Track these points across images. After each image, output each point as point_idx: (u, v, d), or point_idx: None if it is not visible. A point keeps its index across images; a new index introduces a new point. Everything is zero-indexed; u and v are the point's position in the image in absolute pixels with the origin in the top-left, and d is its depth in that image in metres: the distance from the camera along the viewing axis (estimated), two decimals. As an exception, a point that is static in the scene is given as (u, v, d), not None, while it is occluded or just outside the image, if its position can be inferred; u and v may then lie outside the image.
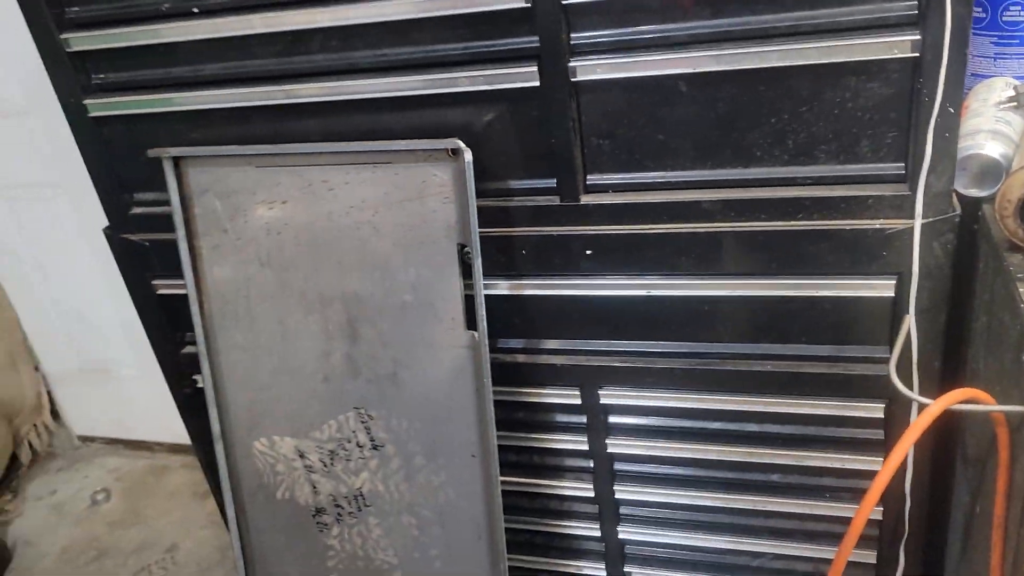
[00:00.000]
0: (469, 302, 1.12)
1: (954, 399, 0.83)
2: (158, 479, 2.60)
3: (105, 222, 2.08)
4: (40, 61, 2.01)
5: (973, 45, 1.12)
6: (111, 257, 2.36)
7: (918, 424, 0.83)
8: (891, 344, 1.02)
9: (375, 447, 1.24)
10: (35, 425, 2.63)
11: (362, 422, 1.23)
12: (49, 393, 2.68)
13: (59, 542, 2.38)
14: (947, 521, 1.20)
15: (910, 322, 0.97)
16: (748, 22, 0.92)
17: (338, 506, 1.28)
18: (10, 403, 2.48)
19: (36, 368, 2.62)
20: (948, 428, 1.15)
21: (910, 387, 0.97)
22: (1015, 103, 1.03)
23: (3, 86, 2.17)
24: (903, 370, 0.98)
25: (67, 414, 2.75)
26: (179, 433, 2.67)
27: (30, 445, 2.65)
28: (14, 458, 2.61)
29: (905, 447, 0.84)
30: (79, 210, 2.32)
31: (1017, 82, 1.08)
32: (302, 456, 1.28)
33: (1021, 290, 0.86)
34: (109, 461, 2.71)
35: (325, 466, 1.27)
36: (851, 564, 1.24)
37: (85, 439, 2.79)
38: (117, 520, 2.44)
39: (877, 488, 0.85)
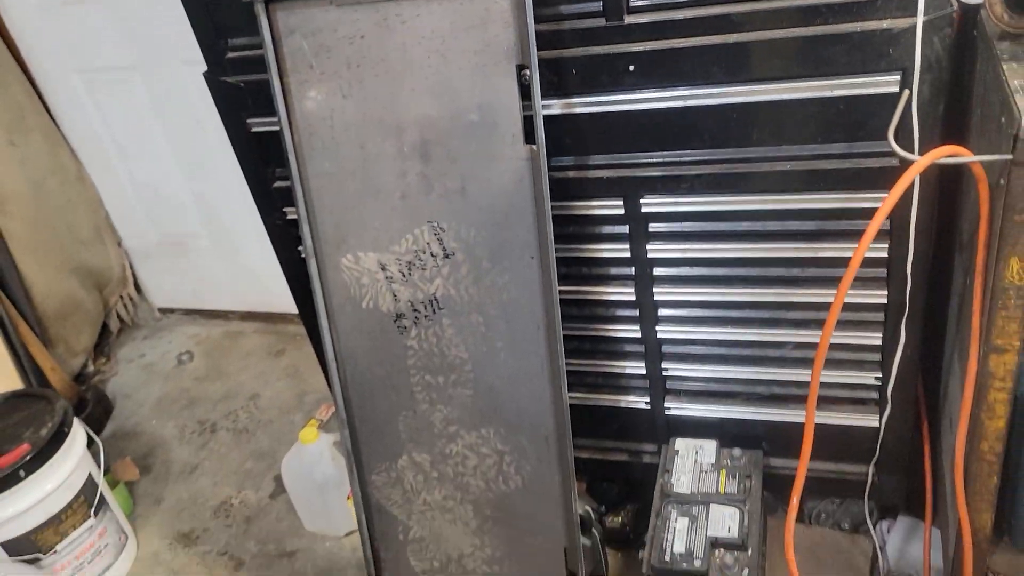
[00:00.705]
0: (527, 121, 1.29)
1: (939, 154, 0.99)
2: (234, 342, 2.86)
3: (178, 101, 2.30)
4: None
5: None
6: (183, 135, 2.58)
7: (908, 174, 1.00)
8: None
9: (447, 256, 1.43)
10: (121, 296, 2.90)
11: (435, 234, 1.43)
12: (131, 267, 2.93)
13: (153, 394, 2.67)
14: (947, 304, 1.37)
15: (911, 94, 1.12)
16: None
17: (415, 311, 1.49)
18: (99, 274, 2.74)
19: (119, 244, 2.86)
20: (948, 220, 1.32)
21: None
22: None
23: (78, -28, 2.32)
24: (904, 144, 1.13)
25: (148, 288, 3.02)
26: (251, 302, 2.95)
27: (118, 315, 2.93)
28: (105, 327, 2.88)
29: (897, 193, 1.00)
30: (152, 91, 2.50)
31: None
32: (383, 268, 1.48)
33: (1005, 67, 1.01)
34: (188, 329, 2.99)
35: (404, 276, 1.48)
36: (859, 347, 1.43)
37: (165, 311, 3.07)
38: (202, 376, 2.72)
39: (874, 225, 1.02)
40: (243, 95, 1.49)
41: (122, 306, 2.93)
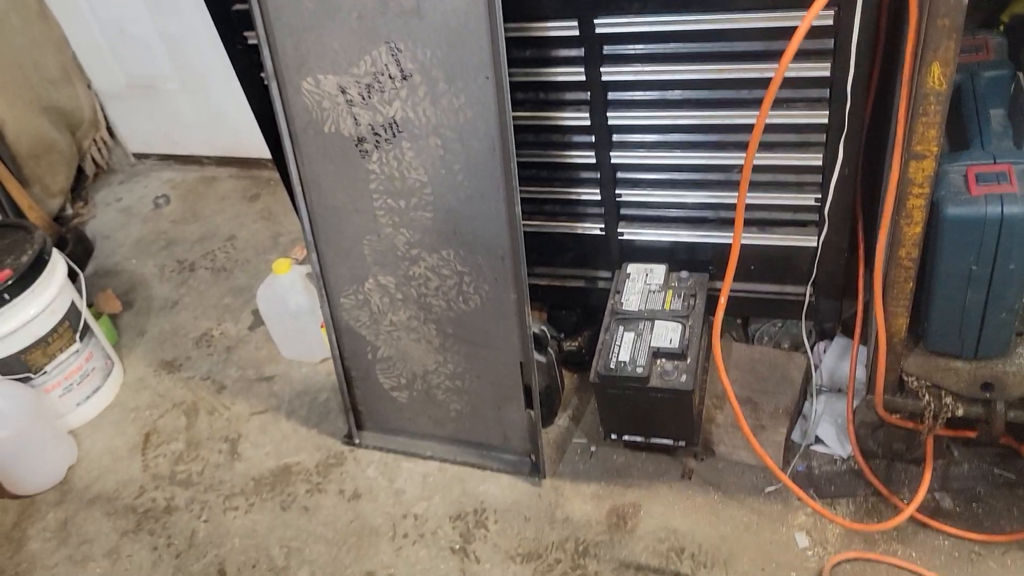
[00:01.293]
0: (480, -65, 1.29)
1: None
2: (209, 187, 2.91)
3: None
4: None
5: None
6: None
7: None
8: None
9: (404, 77, 1.46)
10: (95, 140, 2.91)
11: (392, 55, 1.45)
12: (103, 110, 2.91)
13: (132, 235, 2.73)
14: (886, 129, 1.42)
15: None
16: None
17: (376, 134, 1.53)
18: (70, 115, 2.73)
19: (88, 86, 2.84)
20: (895, 48, 1.35)
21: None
22: None
23: None
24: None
25: (121, 132, 3.02)
26: (224, 147, 2.96)
27: (93, 160, 2.94)
28: (80, 171, 2.90)
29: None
30: (109, -80, 2.41)
31: None
32: (343, 92, 1.51)
33: None
34: (164, 174, 3.02)
35: (363, 99, 1.51)
36: (800, 168, 1.50)
37: (140, 156, 3.08)
38: (179, 219, 2.78)
39: (798, 34, 1.06)
40: (195, -90, 1.47)
41: (96, 150, 2.95)
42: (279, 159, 1.80)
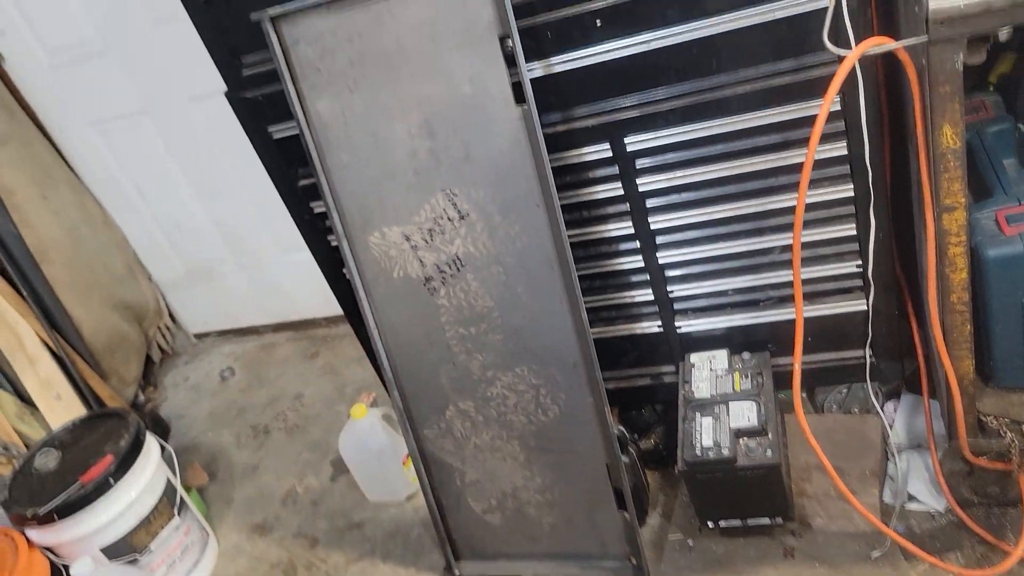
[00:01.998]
0: (515, 86, 1.47)
1: (867, 45, 1.17)
2: (269, 353, 3.05)
3: (188, 136, 2.51)
4: (104, 2, 2.37)
5: None
6: (196, 166, 2.77)
7: (843, 65, 1.17)
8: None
9: (462, 217, 1.61)
10: (159, 327, 3.09)
11: (449, 200, 1.60)
12: (164, 299, 3.12)
13: (204, 409, 2.86)
14: (909, 191, 1.54)
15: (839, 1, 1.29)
16: None
17: (441, 272, 1.67)
18: (137, 308, 2.93)
19: (150, 278, 3.05)
20: (899, 115, 1.49)
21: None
22: None
23: (82, 31, 2.52)
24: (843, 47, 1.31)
25: (181, 316, 3.21)
26: (280, 314, 3.13)
27: (158, 346, 3.12)
28: (148, 358, 3.07)
29: (836, 84, 1.18)
30: (163, 130, 2.70)
31: None
32: (408, 239, 1.66)
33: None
34: (225, 348, 3.17)
35: (427, 242, 1.66)
36: (837, 240, 1.61)
37: (200, 335, 3.26)
38: (245, 387, 2.91)
39: (820, 118, 1.20)
40: (262, 107, 1.68)
41: (161, 336, 3.12)
42: (351, 310, 1.94)
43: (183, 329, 3.23)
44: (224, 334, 3.21)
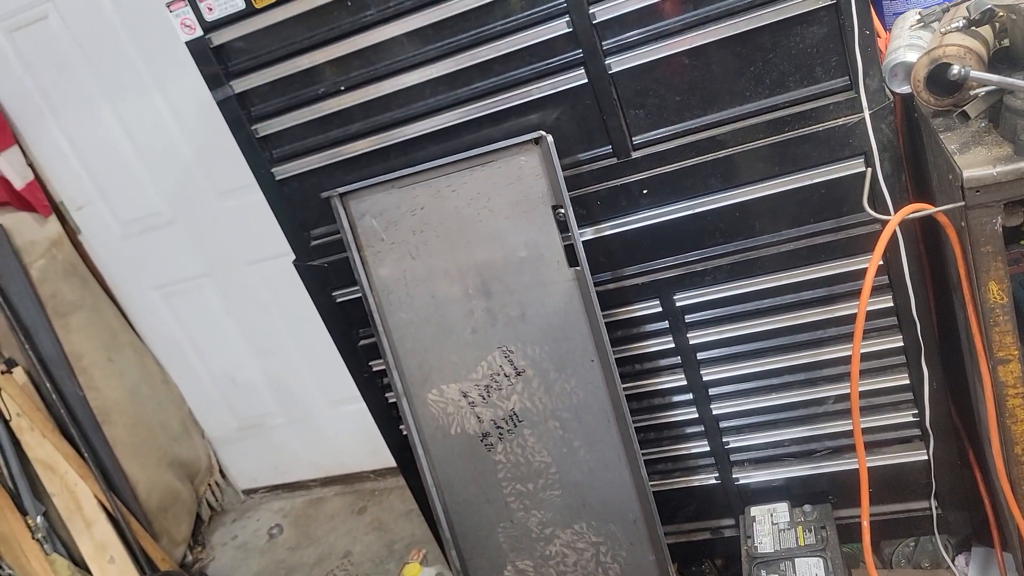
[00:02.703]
0: (567, 249, 1.56)
1: (907, 211, 1.24)
2: (318, 508, 3.04)
3: (245, 297, 2.65)
4: (174, 177, 2.59)
5: (888, -8, 1.56)
6: (252, 325, 2.88)
7: (886, 231, 1.24)
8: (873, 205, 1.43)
9: (518, 373, 1.66)
10: (209, 484, 3.11)
11: (506, 357, 1.66)
12: (215, 455, 3.16)
13: (252, 570, 2.83)
14: (959, 339, 1.57)
15: (875, 170, 1.37)
16: (719, 6, 1.37)
17: (499, 428, 1.70)
18: (191, 466, 2.96)
19: (203, 435, 3.11)
20: (940, 268, 1.54)
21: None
22: (921, 23, 1.46)
23: (151, 205, 2.71)
24: (881, 210, 1.38)
25: (231, 472, 3.23)
26: (328, 468, 3.15)
27: (208, 503, 3.13)
28: (197, 517, 3.07)
29: (880, 247, 1.24)
30: (222, 292, 2.83)
31: (922, 9, 1.51)
32: (465, 396, 1.71)
33: (942, 136, 1.27)
34: (274, 504, 3.17)
35: (483, 399, 1.70)
36: (890, 389, 1.62)
37: (248, 492, 3.26)
38: (294, 545, 2.88)
39: (868, 279, 1.25)
40: (327, 274, 1.78)
41: (210, 493, 3.14)
42: (406, 466, 1.95)
43: (232, 485, 3.25)
44: (272, 489, 3.21)
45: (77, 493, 2.46)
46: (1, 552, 2.26)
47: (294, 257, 1.80)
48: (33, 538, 2.32)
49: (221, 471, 3.20)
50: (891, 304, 1.53)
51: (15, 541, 2.30)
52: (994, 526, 1.68)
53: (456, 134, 1.58)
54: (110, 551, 2.44)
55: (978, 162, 1.13)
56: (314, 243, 1.77)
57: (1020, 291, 1.46)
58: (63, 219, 2.75)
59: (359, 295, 1.72)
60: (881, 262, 1.49)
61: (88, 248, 2.84)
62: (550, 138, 1.48)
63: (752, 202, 1.51)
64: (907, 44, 1.42)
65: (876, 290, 1.52)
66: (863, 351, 1.58)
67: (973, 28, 1.26)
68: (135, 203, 2.72)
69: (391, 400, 1.90)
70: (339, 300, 1.81)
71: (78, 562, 2.45)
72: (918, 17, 1.48)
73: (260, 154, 1.68)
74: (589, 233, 1.61)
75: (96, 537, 2.45)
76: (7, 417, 2.38)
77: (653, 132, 1.50)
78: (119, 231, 2.79)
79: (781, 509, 1.75)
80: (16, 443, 2.41)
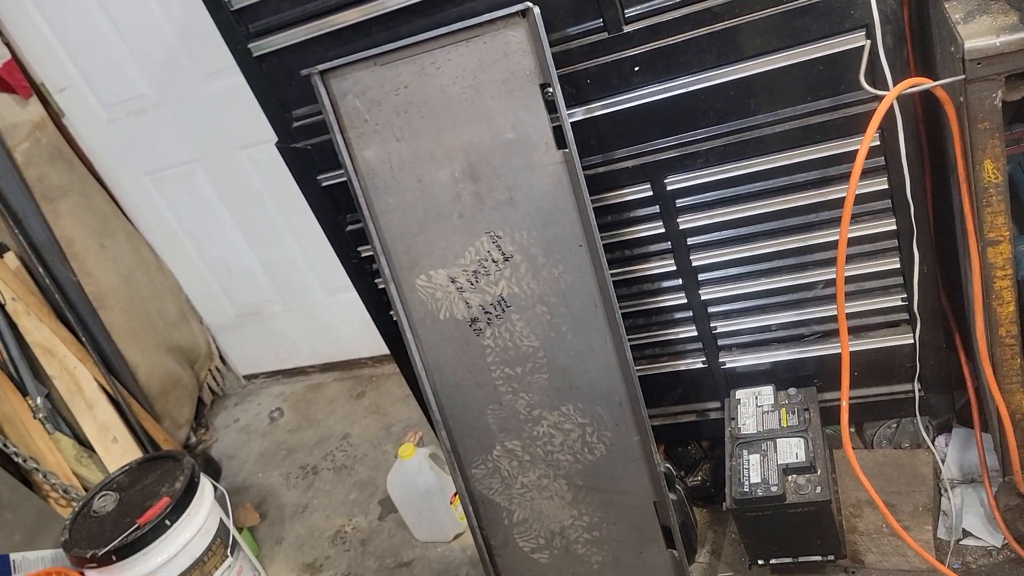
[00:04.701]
0: (556, 130, 1.51)
1: (904, 86, 1.19)
2: (317, 393, 3.11)
3: (237, 183, 2.60)
4: (157, 58, 2.50)
5: None
6: (245, 211, 2.85)
7: (882, 106, 1.19)
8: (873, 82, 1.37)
9: (506, 259, 1.65)
10: (210, 370, 3.17)
11: (493, 242, 1.64)
12: (215, 342, 3.20)
13: (254, 450, 2.91)
14: (952, 224, 1.54)
15: (875, 42, 1.31)
16: None
17: (487, 313, 1.70)
18: (190, 351, 3.01)
19: (201, 322, 3.13)
20: (939, 150, 1.50)
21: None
22: None
23: (136, 87, 2.63)
24: (880, 86, 1.33)
25: (231, 358, 3.28)
26: (327, 354, 3.19)
27: (209, 388, 3.19)
28: (199, 400, 3.14)
29: (875, 124, 1.20)
30: (213, 178, 2.79)
31: None
32: (453, 281, 1.70)
33: (947, 6, 1.20)
34: (274, 389, 3.24)
35: (472, 284, 1.69)
36: (881, 273, 1.61)
37: (249, 377, 3.32)
38: (295, 427, 2.96)
39: (860, 157, 1.22)
40: (311, 157, 1.74)
41: (211, 378, 3.20)
42: (397, 351, 1.98)
43: (233, 371, 3.31)
44: (273, 375, 3.28)
45: (77, 376, 2.51)
46: (5, 431, 2.32)
47: (277, 139, 1.76)
48: (35, 418, 2.37)
49: (221, 357, 3.25)
50: (886, 187, 1.49)
51: (18, 421, 2.36)
52: (975, 408, 1.71)
53: (441, 6, 1.51)
54: (113, 432, 2.50)
55: (981, 32, 1.08)
56: (296, 124, 1.72)
57: (1017, 172, 1.43)
58: (45, 102, 2.69)
59: (344, 179, 1.69)
60: (878, 142, 1.45)
61: (73, 132, 2.79)
62: (537, 10, 1.41)
63: (748, 79, 1.45)
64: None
65: (871, 172, 1.49)
66: (855, 235, 1.56)
67: None
68: (119, 85, 2.64)
69: (381, 286, 1.90)
70: (325, 184, 1.78)
71: (83, 442, 2.52)
72: None
73: (235, 28, 1.61)
74: (579, 113, 1.56)
75: (98, 418, 2.51)
76: (2, 301, 2.39)
77: (646, 4, 1.43)
78: (104, 114, 2.73)
79: (766, 392, 1.77)
80: (13, 327, 2.43)
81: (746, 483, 1.61)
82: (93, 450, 2.51)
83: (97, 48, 2.58)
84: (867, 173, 1.49)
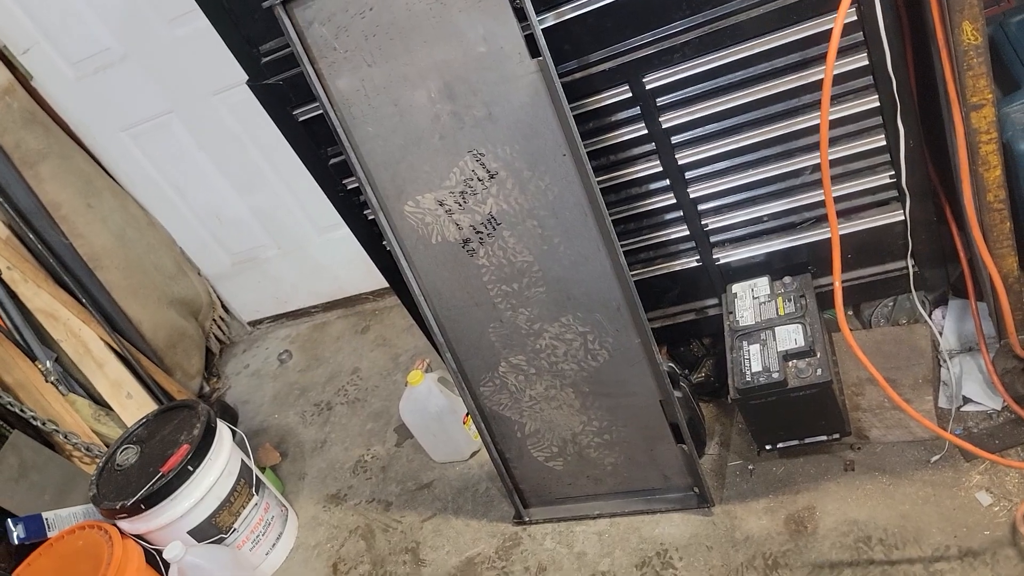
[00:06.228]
0: (528, 39, 1.48)
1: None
2: (322, 332, 3.14)
3: (215, 130, 2.55)
4: (117, 9, 2.42)
5: None
6: (228, 158, 2.82)
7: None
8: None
9: (491, 176, 1.64)
10: (214, 320, 3.19)
11: (477, 160, 1.63)
12: (215, 292, 3.21)
13: (268, 393, 2.96)
14: (937, 95, 1.52)
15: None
16: None
17: (478, 232, 1.71)
18: (192, 302, 3.02)
19: (199, 273, 3.14)
20: (919, 23, 1.47)
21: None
22: None
23: (100, 41, 2.57)
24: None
25: (234, 306, 3.30)
26: (328, 293, 3.20)
27: (216, 337, 3.22)
28: (207, 350, 3.17)
29: (850, -3, 1.17)
30: (191, 127, 2.75)
31: None
32: (441, 204, 1.70)
33: None
34: (280, 332, 3.27)
35: (460, 205, 1.69)
36: (867, 152, 1.60)
37: (254, 323, 3.35)
38: (304, 367, 3.00)
39: (834, 38, 1.19)
40: (284, 92, 1.71)
41: (217, 328, 3.23)
42: (395, 281, 1.99)
43: (237, 319, 3.33)
44: (277, 319, 3.30)
45: (83, 337, 2.53)
46: (21, 397, 2.36)
47: (247, 78, 1.73)
48: (47, 381, 2.41)
49: (224, 306, 3.27)
50: (866, 63, 1.47)
51: (32, 387, 2.39)
52: (969, 278, 1.72)
53: (396, -79, 1.46)
54: (126, 388, 2.54)
55: None
56: (265, 60, 1.69)
57: (999, 32, 1.40)
58: (11, 66, 2.63)
59: (320, 112, 1.66)
60: (855, 18, 1.42)
61: (44, 94, 2.74)
62: (495, -87, 1.37)
63: (718, -35, 1.41)
64: None
65: (850, 49, 1.46)
66: (838, 115, 1.55)
67: None
68: (82, 41, 2.58)
69: (370, 217, 1.90)
70: (302, 119, 1.76)
71: (98, 401, 2.56)
72: None
73: (191, -35, 1.57)
74: (550, 19, 1.53)
75: (110, 376, 2.55)
76: (-2, 272, 2.40)
77: None
78: (72, 73, 2.67)
79: (762, 283, 1.79)
80: (13, 296, 2.45)
81: (748, 373, 1.64)
82: (109, 408, 2.55)
83: (54, 4, 2.51)
84: (845, 51, 1.46)
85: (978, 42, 1.18)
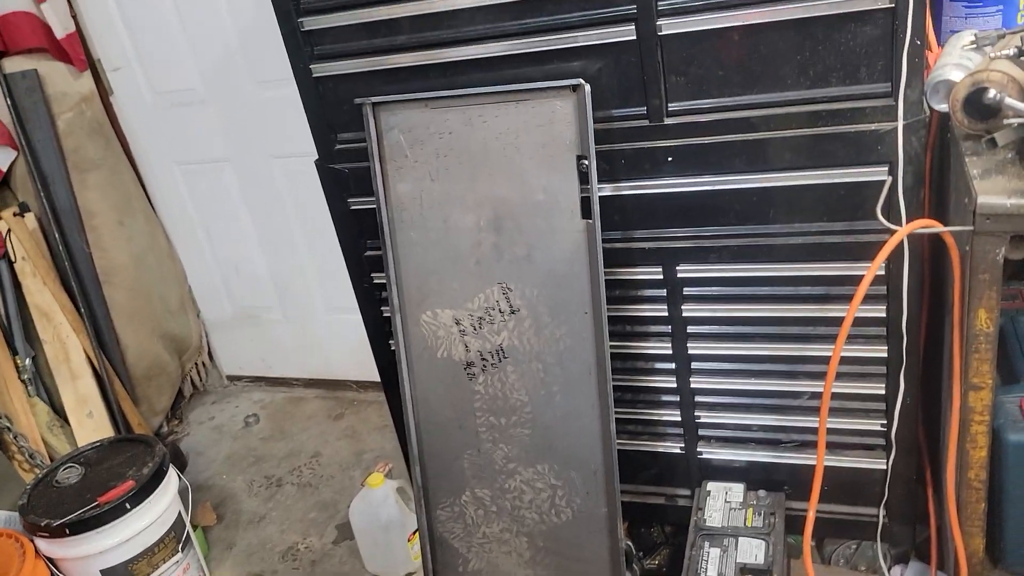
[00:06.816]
0: (583, 201, 1.58)
1: (915, 226, 1.26)
2: (296, 407, 3.12)
3: (263, 189, 2.66)
4: (214, 57, 2.59)
5: (949, 8, 1.56)
6: (265, 218, 2.91)
7: (892, 240, 1.26)
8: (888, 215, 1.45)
9: (513, 311, 1.70)
10: (196, 363, 3.19)
11: (503, 293, 1.70)
12: (207, 336, 3.23)
13: (223, 452, 2.92)
14: (941, 361, 1.60)
15: (895, 180, 1.39)
16: (780, -11, 1.38)
17: (484, 359, 1.75)
18: (181, 341, 3.03)
19: (198, 315, 3.17)
20: (940, 288, 1.57)
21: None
22: (975, 45, 1.46)
23: (187, 80, 2.72)
24: (894, 221, 1.40)
25: (219, 356, 3.31)
26: (314, 370, 3.21)
27: (192, 380, 3.21)
28: (179, 391, 3.15)
29: (882, 256, 1.26)
30: (241, 179, 2.87)
31: (979, 31, 1.51)
32: (458, 323, 1.75)
33: (967, 160, 1.28)
34: (254, 395, 3.25)
35: (475, 329, 1.74)
36: (865, 396, 1.66)
37: (232, 378, 3.34)
38: (267, 437, 2.97)
39: (863, 285, 1.28)
40: (346, 179, 1.81)
41: (196, 372, 3.22)
42: (388, 381, 2.01)
43: (218, 368, 3.33)
44: (256, 380, 3.30)
45: (67, 344, 2.53)
46: (-12, 385, 2.34)
47: (317, 157, 1.82)
48: (19, 379, 2.39)
49: (210, 353, 3.28)
50: (884, 315, 1.56)
51: (1, 378, 2.38)
52: (935, 545, 1.74)
53: (497, 66, 1.59)
54: (90, 406, 2.52)
55: (995, 190, 1.15)
56: (339, 147, 1.79)
57: (1009, 326, 1.49)
58: (98, 77, 2.77)
59: (373, 206, 1.75)
60: (883, 272, 1.52)
61: (118, 111, 2.87)
62: (588, 88, 1.49)
63: (772, 190, 1.52)
64: (955, 63, 1.42)
65: (872, 298, 1.55)
66: (847, 355, 1.62)
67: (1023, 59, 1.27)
68: (172, 75, 2.73)
69: (386, 314, 1.95)
70: (353, 208, 1.84)
71: (58, 411, 2.53)
72: (972, 38, 1.47)
73: (302, 48, 1.70)
74: (607, 189, 1.63)
75: (79, 390, 2.53)
76: (12, 259, 2.43)
77: (690, 102, 1.51)
78: (151, 100, 2.81)
79: (737, 489, 1.81)
80: (17, 286, 2.47)
81: (703, 575, 1.63)
82: (67, 421, 2.52)
83: (159, 35, 2.67)
84: (868, 299, 1.55)
85: (989, 330, 1.26)
